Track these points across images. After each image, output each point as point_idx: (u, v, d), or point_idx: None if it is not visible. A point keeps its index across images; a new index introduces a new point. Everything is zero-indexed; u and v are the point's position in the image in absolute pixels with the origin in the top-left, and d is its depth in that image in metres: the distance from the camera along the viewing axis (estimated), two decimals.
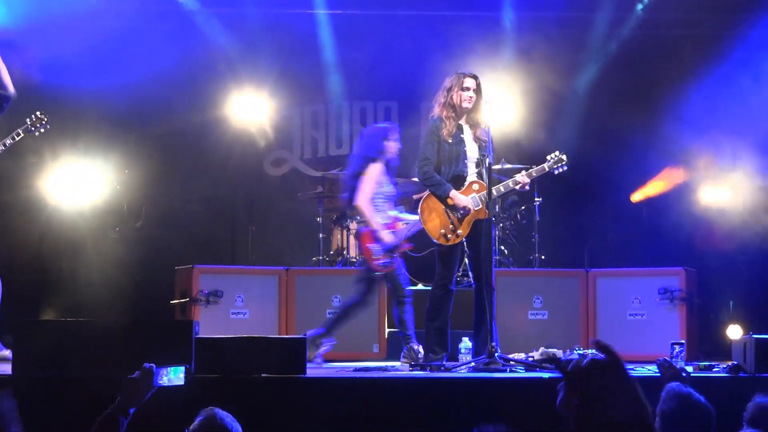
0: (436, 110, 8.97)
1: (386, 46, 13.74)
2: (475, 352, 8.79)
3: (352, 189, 9.42)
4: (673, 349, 7.72)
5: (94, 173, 12.64)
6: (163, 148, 13.13)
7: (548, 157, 9.11)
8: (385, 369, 8.51)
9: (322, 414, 6.89)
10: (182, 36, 12.97)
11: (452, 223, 8.75)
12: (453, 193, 8.71)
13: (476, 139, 8.90)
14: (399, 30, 13.60)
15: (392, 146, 9.58)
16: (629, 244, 12.82)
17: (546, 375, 7.55)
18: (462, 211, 8.71)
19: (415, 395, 7.12)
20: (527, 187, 9.03)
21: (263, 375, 7.04)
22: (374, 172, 9.37)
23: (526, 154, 12.72)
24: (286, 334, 10.05)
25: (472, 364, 8.35)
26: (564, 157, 9.08)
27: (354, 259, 12.29)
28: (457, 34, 13.15)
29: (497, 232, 12.14)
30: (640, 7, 13.19)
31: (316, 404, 6.96)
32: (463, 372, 8.16)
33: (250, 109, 13.66)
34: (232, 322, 10.24)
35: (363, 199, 9.31)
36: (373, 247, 9.22)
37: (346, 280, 10.63)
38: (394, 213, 9.47)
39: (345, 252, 12.43)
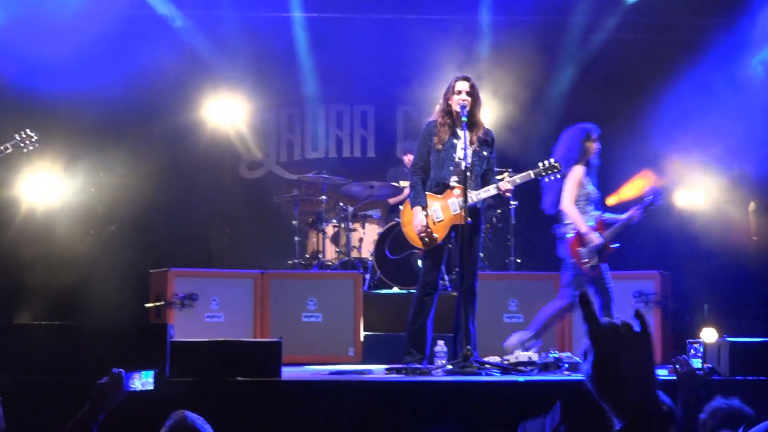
0: (434, 115, 8.97)
1: (362, 50, 13.74)
2: (453, 355, 8.80)
3: (557, 192, 9.27)
4: (691, 347, 7.68)
5: (68, 176, 12.58)
6: (138, 151, 13.07)
7: (538, 164, 9.11)
8: (360, 372, 8.50)
9: (298, 417, 6.88)
10: (158, 40, 12.96)
11: (429, 228, 8.77)
12: (415, 209, 8.79)
13: (472, 143, 8.84)
14: (375, 33, 13.60)
15: (593, 147, 9.47)
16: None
17: (521, 378, 7.56)
18: (419, 229, 8.74)
19: (390, 398, 7.12)
20: (510, 194, 9.03)
21: (238, 378, 7.02)
22: (577, 174, 9.23)
23: (502, 158, 12.74)
24: (261, 338, 10.02)
25: (448, 367, 8.36)
26: (558, 165, 9.11)
27: (330, 262, 12.29)
28: (435, 38, 13.17)
29: None
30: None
31: (292, 408, 6.94)
32: (438, 375, 8.16)
33: (226, 112, 13.63)
34: (207, 326, 10.20)
35: (567, 202, 9.17)
36: (581, 250, 9.10)
37: (321, 283, 10.65)
38: (596, 213, 9.33)
39: (321, 255, 12.43)
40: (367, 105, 14.80)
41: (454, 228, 8.80)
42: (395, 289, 11.64)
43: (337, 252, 12.44)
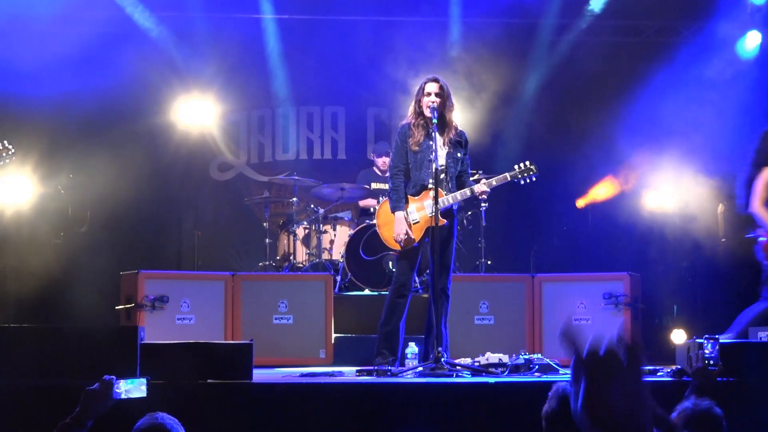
0: (408, 117, 8.98)
1: (333, 52, 13.76)
2: (424, 357, 8.82)
3: (747, 196, 9.11)
4: (708, 342, 7.54)
5: (38, 177, 12.52)
6: (108, 153, 13.00)
7: (515, 167, 9.13)
8: (331, 374, 8.49)
9: (269, 419, 6.88)
10: (128, 42, 12.91)
11: (408, 234, 8.81)
12: (397, 213, 8.82)
13: (445, 144, 8.87)
14: (346, 35, 13.61)
15: None
16: (574, 250, 12.92)
17: (492, 380, 7.58)
18: (398, 237, 8.79)
19: (361, 400, 7.13)
20: (485, 196, 9.04)
21: (209, 380, 7.01)
22: (766, 176, 9.03)
23: (472, 159, 12.77)
24: (232, 340, 10.00)
25: (419, 369, 8.37)
26: (534, 167, 9.13)
27: (300, 264, 12.28)
28: (405, 39, 13.20)
29: None
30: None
31: (263, 410, 6.94)
32: (409, 377, 8.17)
33: (197, 114, 13.59)
34: (178, 328, 10.17)
35: (757, 204, 8.91)
36: None
37: (292, 285, 10.64)
38: None
39: (291, 257, 12.42)
40: (338, 107, 14.79)
41: (429, 230, 8.82)
42: (366, 291, 11.64)
43: (308, 254, 12.43)
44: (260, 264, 12.60)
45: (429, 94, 8.81)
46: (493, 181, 8.98)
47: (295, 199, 12.67)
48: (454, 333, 10.07)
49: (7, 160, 9.48)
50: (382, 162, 12.74)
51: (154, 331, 9.51)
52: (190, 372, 7.06)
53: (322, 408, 7.01)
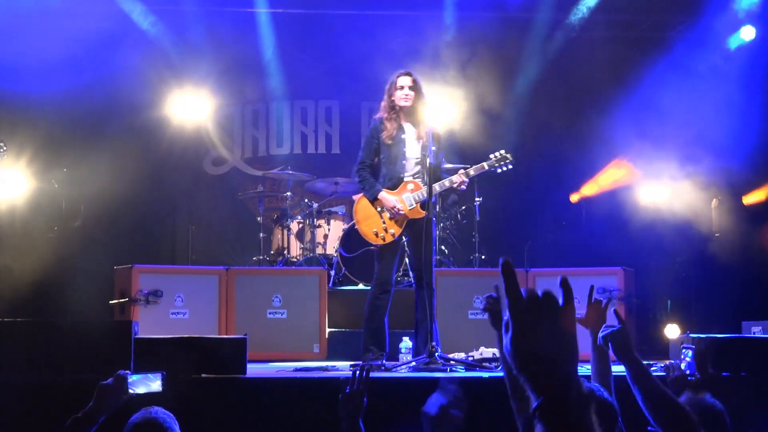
0: (380, 112, 8.99)
1: (327, 46, 13.76)
2: (415, 351, 8.83)
3: None
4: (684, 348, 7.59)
5: (32, 172, 12.50)
6: (102, 147, 12.97)
7: (490, 156, 9.12)
8: (325, 369, 8.50)
9: (263, 414, 6.88)
10: (122, 36, 12.90)
11: (384, 223, 8.81)
12: (381, 194, 8.81)
13: (419, 137, 8.89)
14: (340, 29, 13.61)
15: None
16: (568, 244, 12.91)
17: (486, 374, 7.59)
18: (393, 211, 8.76)
19: None
20: (464, 187, 9.02)
21: (203, 375, 7.01)
22: None
23: (466, 153, 12.78)
24: (226, 334, 10.00)
25: (413, 363, 8.38)
26: (509, 156, 9.10)
27: (294, 259, 12.27)
28: (399, 34, 13.19)
29: (438, 232, 12.18)
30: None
31: (257, 404, 6.94)
32: (403, 372, 8.18)
33: (191, 108, 13.57)
34: (172, 322, 10.17)
35: None
36: None
37: (286, 279, 10.63)
38: None
39: (285, 251, 12.42)
40: (332, 101, 14.79)
41: (409, 223, 8.84)
42: (360, 286, 11.63)
43: (302, 248, 12.42)
44: (254, 258, 12.60)
45: (402, 87, 8.90)
46: (471, 171, 8.96)
47: (289, 193, 12.66)
48: (448, 328, 10.10)
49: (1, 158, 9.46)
50: None
51: (148, 325, 9.51)
52: (184, 366, 7.05)
53: (316, 402, 7.01)
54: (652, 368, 7.95)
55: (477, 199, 12.53)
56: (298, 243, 12.52)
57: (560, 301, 2.15)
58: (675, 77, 12.39)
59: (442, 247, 12.43)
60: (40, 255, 12.28)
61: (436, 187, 8.84)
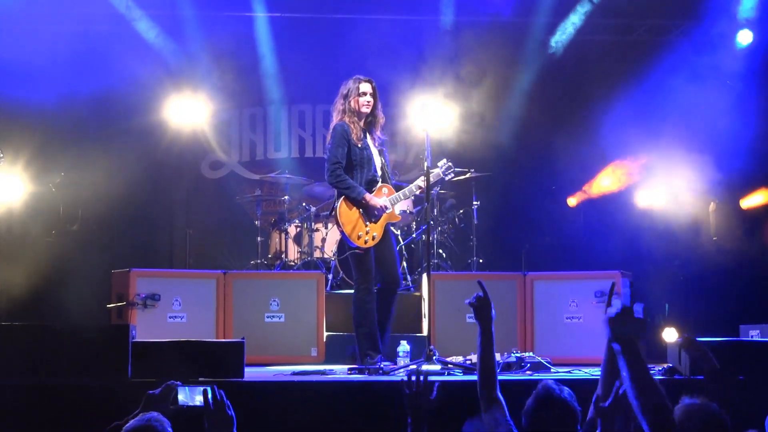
0: (338, 117, 9.02)
1: (325, 50, 13.74)
2: (360, 355, 8.88)
3: None
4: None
5: (29, 176, 12.49)
6: (100, 151, 12.96)
7: (439, 164, 9.20)
8: (323, 372, 8.49)
9: (260, 418, 6.87)
10: (120, 40, 12.89)
11: (367, 226, 8.83)
12: (368, 195, 8.80)
13: (377, 144, 9.05)
14: (338, 33, 13.60)
15: None
16: (566, 248, 12.92)
17: None
18: (377, 214, 8.80)
19: (353, 398, 7.13)
20: (422, 192, 9.08)
21: (201, 379, 7.00)
22: None
23: (462, 158, 12.81)
24: (224, 338, 9.99)
25: (411, 366, 8.37)
26: (450, 164, 9.25)
27: (292, 262, 12.27)
28: (396, 38, 13.20)
29: (436, 236, 12.18)
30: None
31: (254, 408, 6.93)
32: (400, 375, 8.18)
33: (188, 112, 13.56)
34: (170, 326, 10.15)
35: None
36: None
37: (284, 283, 10.63)
38: None
39: (283, 255, 12.42)
40: (330, 105, 14.72)
41: (387, 225, 8.97)
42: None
43: (299, 252, 12.42)
44: (252, 262, 12.59)
45: (365, 93, 8.97)
46: (431, 177, 9.03)
47: (286, 197, 12.67)
48: (446, 331, 10.12)
49: None
50: None
51: (146, 329, 9.49)
52: (182, 370, 7.03)
53: (313, 406, 7.01)
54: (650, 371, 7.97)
55: (475, 202, 12.54)
56: (296, 247, 12.52)
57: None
58: (673, 81, 12.40)
59: (440, 251, 12.43)
60: (37, 259, 12.27)
61: (407, 192, 9.06)
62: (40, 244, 12.55)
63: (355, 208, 8.83)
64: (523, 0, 13.32)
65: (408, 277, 11.91)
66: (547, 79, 13.69)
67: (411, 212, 12.11)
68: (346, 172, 8.84)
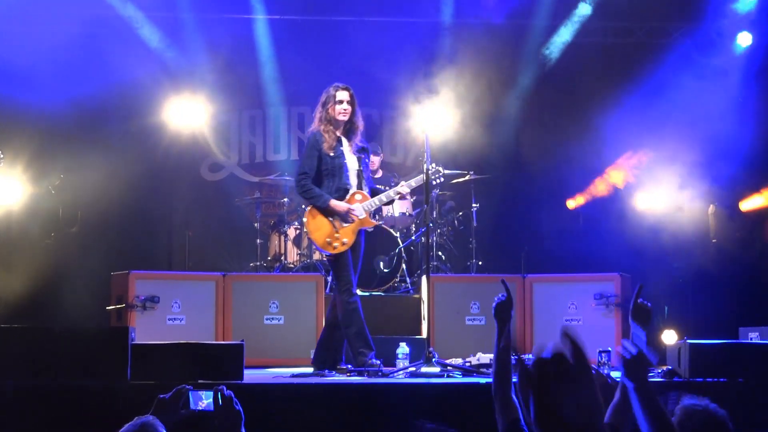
0: (315, 124, 9.09)
1: (324, 52, 13.74)
2: (323, 359, 8.90)
3: None
4: (600, 356, 7.76)
5: (28, 178, 12.49)
6: (99, 154, 12.94)
7: (426, 168, 9.24)
8: (322, 375, 8.49)
9: (260, 420, 6.85)
10: (119, 42, 12.89)
11: (337, 232, 8.86)
12: (332, 202, 8.85)
13: (355, 151, 9.03)
14: (337, 35, 13.60)
15: None
16: (565, 250, 12.90)
17: (483, 380, 7.58)
18: (347, 218, 8.82)
19: (353, 400, 7.13)
20: (408, 197, 9.10)
21: (200, 381, 6.99)
22: None
23: (463, 160, 12.82)
24: (223, 340, 9.99)
25: (411, 369, 8.38)
26: (440, 168, 9.30)
27: (291, 265, 12.27)
28: (395, 40, 13.19)
29: (435, 238, 12.18)
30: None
31: (254, 411, 6.90)
32: (400, 377, 8.18)
33: (188, 114, 13.56)
34: (169, 328, 10.15)
35: None
36: None
37: (283, 285, 10.63)
38: None
39: (282, 257, 12.41)
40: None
41: (360, 232, 8.99)
42: (357, 292, 11.61)
43: (298, 254, 12.42)
44: (251, 264, 12.59)
45: (341, 101, 8.99)
46: (413, 182, 9.11)
47: (286, 199, 12.67)
48: (445, 333, 10.13)
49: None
50: (372, 163, 12.72)
51: (145, 331, 9.49)
52: (181, 373, 7.04)
53: (313, 409, 7.01)
54: (650, 374, 7.97)
55: (474, 205, 12.53)
56: (295, 249, 12.52)
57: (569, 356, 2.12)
58: (672, 84, 12.41)
59: (440, 253, 12.43)
60: (37, 261, 12.27)
61: (383, 197, 9.06)
62: (39, 246, 12.55)
63: (321, 216, 8.91)
64: (522, 3, 13.30)
65: (407, 279, 11.91)
66: (546, 81, 13.68)
67: (410, 214, 12.12)
68: (318, 181, 8.96)
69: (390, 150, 14.45)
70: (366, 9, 13.47)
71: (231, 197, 13.86)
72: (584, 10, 13.28)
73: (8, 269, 12.35)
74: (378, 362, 8.54)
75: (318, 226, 8.92)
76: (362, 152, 9.08)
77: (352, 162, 9.00)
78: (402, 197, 9.04)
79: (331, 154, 8.91)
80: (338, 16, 13.60)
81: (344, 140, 9.01)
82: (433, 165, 9.25)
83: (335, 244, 8.86)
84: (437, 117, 11.81)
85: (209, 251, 13.90)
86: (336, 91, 9.01)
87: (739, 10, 12.69)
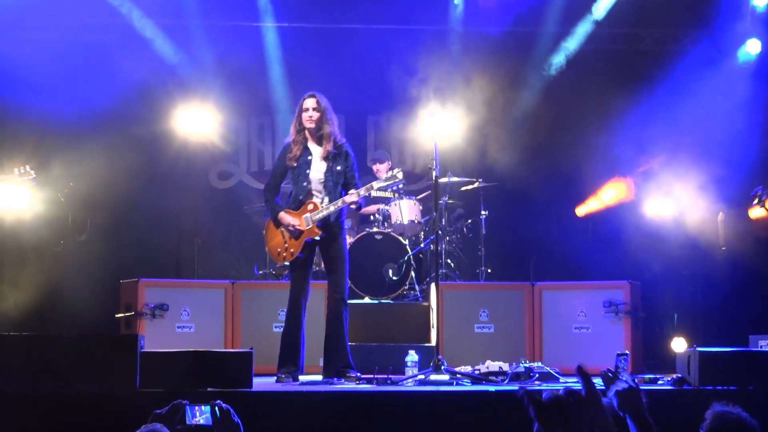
0: (290, 135, 9.21)
1: (333, 59, 13.74)
2: (326, 366, 8.98)
3: None
4: (618, 360, 7.74)
5: (38, 185, 12.50)
6: (108, 161, 12.95)
7: (384, 176, 9.30)
8: (330, 382, 8.49)
9: (269, 428, 6.86)
10: (128, 49, 12.90)
11: (286, 243, 9.01)
12: (280, 214, 9.01)
13: (325, 157, 9.05)
14: (346, 43, 13.60)
15: None
16: (575, 258, 12.88)
17: (492, 388, 7.57)
18: (290, 229, 8.93)
19: (362, 408, 7.11)
20: (355, 205, 9.12)
21: (209, 389, 6.99)
22: None
23: (471, 167, 12.82)
24: (232, 348, 10.00)
25: (419, 377, 8.37)
26: (400, 174, 9.28)
27: None
28: (405, 47, 13.18)
29: (444, 246, 12.17)
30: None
31: (263, 418, 6.92)
32: (409, 385, 8.17)
33: (196, 121, 13.58)
34: (178, 336, 10.17)
35: None
36: None
37: None
38: None
39: None
40: (338, 114, 14.69)
41: (312, 242, 9.05)
42: (366, 300, 11.63)
43: None
44: (260, 272, 12.58)
45: (307, 109, 9.09)
46: (362, 191, 9.06)
47: None
48: (454, 341, 10.12)
49: (26, 185, 9.53)
50: (376, 169, 12.71)
51: (154, 339, 9.51)
52: (190, 380, 7.05)
53: (321, 417, 7.00)
54: (659, 382, 7.96)
55: (483, 212, 12.51)
56: None
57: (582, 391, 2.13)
58: (681, 90, 12.39)
59: (449, 261, 12.42)
60: (46, 269, 12.30)
61: (331, 207, 8.99)
62: (48, 253, 12.57)
63: (273, 227, 9.15)
64: (530, 11, 13.29)
65: (416, 287, 11.90)
66: (555, 88, 13.66)
67: (419, 222, 12.10)
68: (275, 190, 9.19)
69: (398, 157, 14.44)
70: (375, 17, 13.47)
71: (240, 205, 13.86)
72: (595, 15, 13.28)
73: (18, 276, 12.38)
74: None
75: (271, 237, 9.19)
76: (336, 158, 9.06)
77: (317, 171, 9.03)
78: (353, 206, 9.04)
79: (293, 164, 9.05)
80: (347, 23, 13.60)
81: (314, 147, 9.07)
82: (395, 170, 9.29)
83: (284, 254, 9.07)
84: (446, 124, 11.80)
85: (218, 259, 13.90)
86: (303, 100, 9.15)
87: (757, 9, 12.69)
